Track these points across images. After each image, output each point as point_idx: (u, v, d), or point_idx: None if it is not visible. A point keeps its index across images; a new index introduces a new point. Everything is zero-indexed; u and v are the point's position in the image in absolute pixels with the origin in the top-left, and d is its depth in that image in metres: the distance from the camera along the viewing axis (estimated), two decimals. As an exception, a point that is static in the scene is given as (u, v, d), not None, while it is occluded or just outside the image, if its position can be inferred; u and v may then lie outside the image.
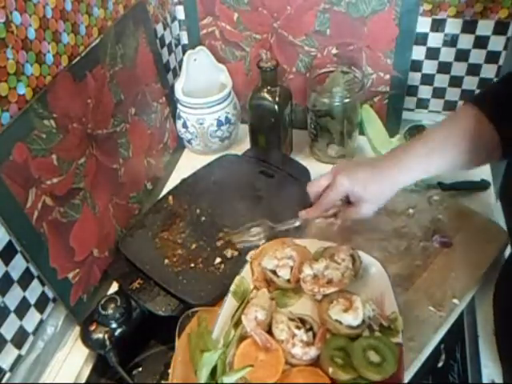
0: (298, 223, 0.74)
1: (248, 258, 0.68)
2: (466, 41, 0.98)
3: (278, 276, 0.62)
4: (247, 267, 0.65)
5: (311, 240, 0.70)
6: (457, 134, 0.65)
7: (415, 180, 0.67)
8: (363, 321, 0.55)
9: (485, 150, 0.65)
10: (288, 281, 0.62)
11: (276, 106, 0.96)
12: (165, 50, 1.07)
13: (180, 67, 1.10)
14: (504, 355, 0.66)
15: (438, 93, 1.07)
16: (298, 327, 0.55)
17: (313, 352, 0.54)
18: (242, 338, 0.56)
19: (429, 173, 0.67)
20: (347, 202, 0.71)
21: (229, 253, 0.78)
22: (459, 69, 1.02)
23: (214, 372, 0.52)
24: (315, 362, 0.54)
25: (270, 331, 0.56)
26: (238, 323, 0.57)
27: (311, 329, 0.57)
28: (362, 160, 0.74)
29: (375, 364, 0.50)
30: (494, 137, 0.62)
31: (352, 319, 0.54)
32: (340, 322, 0.55)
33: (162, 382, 0.72)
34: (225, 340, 0.55)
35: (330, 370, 0.51)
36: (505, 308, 0.67)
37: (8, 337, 0.65)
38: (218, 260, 0.78)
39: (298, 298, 0.61)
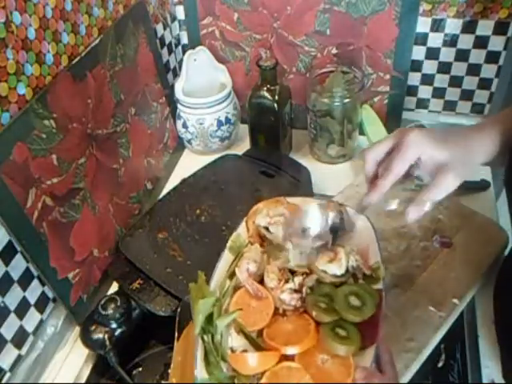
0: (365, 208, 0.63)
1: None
2: (466, 41, 0.98)
3: (270, 232, 0.65)
4: (243, 225, 0.68)
5: (304, 198, 0.72)
6: None
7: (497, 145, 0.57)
8: (347, 270, 0.58)
9: None
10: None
11: (275, 105, 0.96)
12: (165, 50, 1.07)
13: (180, 67, 1.10)
14: (504, 351, 0.66)
15: (438, 93, 1.07)
16: (287, 280, 0.59)
17: (299, 297, 0.57)
18: (237, 288, 0.60)
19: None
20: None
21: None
22: (459, 69, 1.02)
23: (211, 319, 0.55)
24: (303, 308, 0.57)
25: (262, 282, 0.60)
26: (232, 275, 0.61)
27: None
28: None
29: (356, 307, 0.53)
30: None
31: (336, 269, 0.57)
32: (325, 272, 0.58)
33: (162, 382, 0.72)
34: (220, 290, 0.59)
35: (314, 313, 0.54)
36: (504, 304, 0.67)
37: (8, 337, 0.65)
38: (218, 260, 0.77)
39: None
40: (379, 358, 0.51)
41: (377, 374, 0.49)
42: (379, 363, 0.51)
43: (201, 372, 0.51)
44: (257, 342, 0.54)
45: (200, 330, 0.54)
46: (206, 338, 0.54)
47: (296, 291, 0.58)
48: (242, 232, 0.66)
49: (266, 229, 0.65)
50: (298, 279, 0.59)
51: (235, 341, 0.55)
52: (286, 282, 0.59)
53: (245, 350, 0.54)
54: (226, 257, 0.63)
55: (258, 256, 0.62)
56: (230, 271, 0.61)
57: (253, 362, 0.51)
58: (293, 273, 0.60)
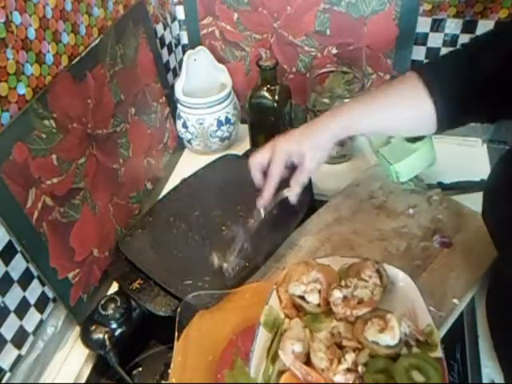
0: (262, 215, 0.74)
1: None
2: (466, 41, 0.98)
3: (307, 302, 0.61)
4: (274, 295, 0.63)
5: (333, 258, 0.69)
6: (391, 92, 0.68)
7: (344, 129, 0.69)
8: (400, 339, 0.54)
9: (418, 117, 0.67)
10: (318, 305, 0.61)
11: (275, 105, 0.96)
12: (165, 50, 1.07)
13: (180, 67, 1.10)
14: (503, 357, 0.66)
15: (438, 93, 1.07)
16: (339, 359, 0.54)
17: (355, 377, 0.53)
18: (281, 372, 0.55)
19: (353, 121, 0.69)
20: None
21: (228, 253, 0.78)
22: (459, 69, 1.02)
23: None
24: None
25: (308, 360, 0.55)
26: (274, 357, 0.56)
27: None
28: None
29: None
30: (430, 108, 0.64)
31: (390, 339, 0.53)
32: (377, 343, 0.54)
33: (162, 382, 0.72)
34: (264, 377, 0.55)
35: None
36: (498, 311, 0.68)
37: (8, 337, 0.65)
38: (218, 260, 0.78)
39: (330, 321, 0.60)
40: None
41: None
42: None
43: None
44: None
45: None
46: None
47: (350, 370, 0.53)
48: (273, 303, 0.62)
49: (302, 298, 0.61)
50: (350, 357, 0.54)
51: None
52: (338, 361, 0.54)
53: None
54: (262, 334, 0.58)
55: (301, 333, 0.57)
56: (272, 353, 0.56)
57: None
58: (341, 348, 0.56)
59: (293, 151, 0.69)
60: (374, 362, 0.53)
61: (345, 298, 0.60)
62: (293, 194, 0.72)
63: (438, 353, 0.53)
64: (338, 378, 0.52)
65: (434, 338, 0.54)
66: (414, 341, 0.55)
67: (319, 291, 0.62)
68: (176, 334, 0.66)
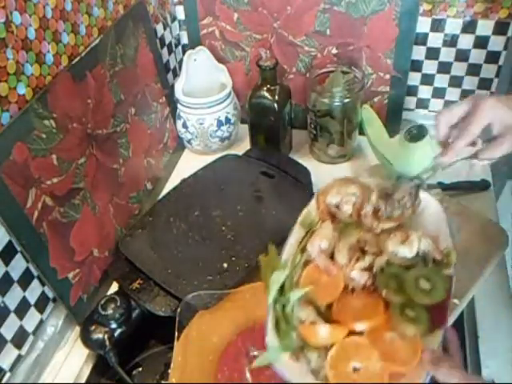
0: (438, 168, 0.69)
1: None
2: (466, 41, 0.98)
3: (341, 211, 0.66)
4: (313, 202, 0.68)
5: (375, 179, 0.72)
6: None
7: None
8: (417, 254, 0.58)
9: None
10: (350, 215, 0.65)
11: (275, 105, 0.96)
12: (165, 50, 1.07)
13: (180, 67, 1.10)
14: None
15: (438, 93, 1.07)
16: (357, 259, 0.59)
17: (368, 276, 0.57)
18: (307, 262, 0.61)
19: None
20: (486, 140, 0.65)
21: (228, 253, 0.78)
22: (459, 69, 1.02)
23: (281, 290, 0.57)
24: (372, 287, 0.57)
25: (332, 258, 0.60)
26: (303, 249, 0.62)
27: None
28: None
29: (425, 290, 0.53)
30: None
31: (407, 251, 0.57)
32: (396, 254, 0.58)
33: (162, 382, 0.72)
34: (292, 263, 0.60)
35: (384, 291, 0.54)
36: None
37: (8, 337, 0.65)
38: (218, 260, 0.78)
39: (359, 231, 0.64)
40: (446, 341, 0.52)
41: (444, 357, 0.50)
42: (446, 347, 0.51)
43: (272, 339, 0.53)
44: (326, 316, 0.55)
45: (272, 300, 0.55)
46: (277, 307, 0.55)
47: (366, 269, 0.58)
48: (312, 209, 0.67)
49: (337, 207, 0.66)
50: (368, 258, 0.59)
51: (302, 313, 0.56)
52: (357, 260, 0.59)
53: (313, 322, 0.55)
54: (297, 231, 0.64)
55: (329, 233, 0.63)
56: (302, 245, 0.62)
57: (323, 333, 0.52)
58: (363, 253, 0.60)
59: (502, 119, 0.60)
60: (389, 267, 0.57)
61: (375, 212, 0.64)
62: (477, 164, 0.66)
63: (450, 271, 0.56)
64: (354, 274, 0.57)
65: (450, 259, 0.57)
66: (430, 260, 0.58)
67: (354, 204, 0.66)
68: (176, 333, 0.66)
